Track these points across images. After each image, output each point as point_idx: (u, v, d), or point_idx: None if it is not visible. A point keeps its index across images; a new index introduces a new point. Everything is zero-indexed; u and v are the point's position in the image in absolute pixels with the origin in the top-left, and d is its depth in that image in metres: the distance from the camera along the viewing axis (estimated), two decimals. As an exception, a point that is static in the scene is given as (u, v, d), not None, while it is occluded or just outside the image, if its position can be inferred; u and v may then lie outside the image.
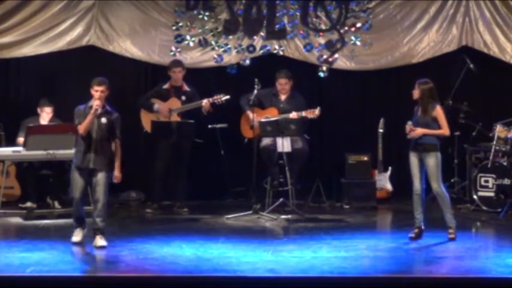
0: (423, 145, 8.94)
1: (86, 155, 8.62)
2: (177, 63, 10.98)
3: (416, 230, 9.04)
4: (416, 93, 9.00)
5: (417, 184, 8.99)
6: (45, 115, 10.91)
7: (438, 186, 8.94)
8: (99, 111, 8.66)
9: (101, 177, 8.63)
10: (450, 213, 9.03)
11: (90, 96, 8.82)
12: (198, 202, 11.18)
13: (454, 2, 11.54)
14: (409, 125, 8.98)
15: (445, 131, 9.00)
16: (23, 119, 11.03)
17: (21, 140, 10.65)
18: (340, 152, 11.46)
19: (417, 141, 8.98)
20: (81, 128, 8.63)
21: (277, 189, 10.67)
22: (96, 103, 8.63)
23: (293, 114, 10.61)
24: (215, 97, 10.74)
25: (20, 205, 10.82)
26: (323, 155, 11.78)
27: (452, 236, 9.00)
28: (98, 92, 8.68)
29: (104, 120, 8.68)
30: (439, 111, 8.97)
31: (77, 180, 8.66)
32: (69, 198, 11.07)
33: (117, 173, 8.77)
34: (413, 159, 9.02)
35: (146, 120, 10.82)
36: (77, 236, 8.78)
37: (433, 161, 8.90)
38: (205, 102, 10.70)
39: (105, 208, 8.70)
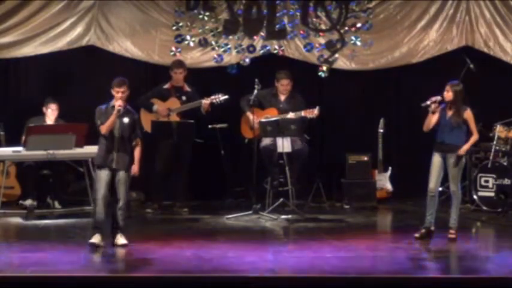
0: (449, 145, 8.94)
1: (108, 155, 8.66)
2: (179, 64, 10.96)
3: (423, 230, 9.02)
4: (449, 96, 8.94)
5: (433, 185, 8.97)
6: (50, 112, 10.87)
7: (456, 187, 8.97)
8: (122, 111, 8.71)
9: (122, 176, 8.70)
10: (456, 215, 9.02)
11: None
12: (198, 202, 11.18)
13: (454, 1, 11.54)
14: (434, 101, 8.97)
15: (476, 136, 9.02)
16: (23, 118, 11.01)
17: None
18: (340, 152, 11.45)
19: (443, 142, 8.97)
20: (104, 128, 8.68)
21: (277, 189, 10.67)
22: (118, 103, 8.68)
23: (290, 115, 10.61)
24: (213, 97, 10.74)
25: (20, 202, 10.80)
26: (323, 155, 11.78)
27: (452, 236, 8.99)
28: (119, 93, 8.73)
29: (126, 120, 8.73)
30: (469, 115, 8.97)
31: (101, 179, 8.64)
32: (70, 199, 11.10)
33: (136, 167, 8.86)
34: (436, 159, 8.99)
35: (146, 120, 10.81)
36: (96, 239, 8.58)
37: (462, 160, 8.93)
38: (203, 101, 10.70)
39: (125, 207, 8.78)
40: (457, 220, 9.02)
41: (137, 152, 8.86)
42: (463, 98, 8.98)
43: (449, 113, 8.99)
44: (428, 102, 9.03)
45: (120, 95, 8.72)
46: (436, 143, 9.04)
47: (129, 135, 8.77)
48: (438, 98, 9.01)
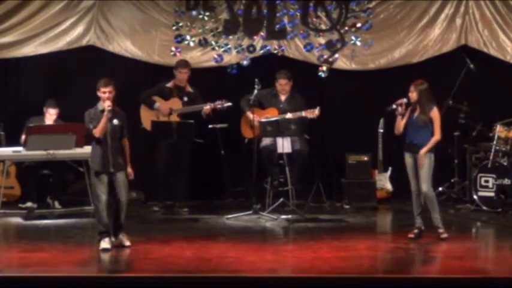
0: (417, 145, 8.92)
1: (104, 159, 8.56)
2: (185, 64, 10.94)
3: (416, 231, 9.02)
4: (414, 96, 8.93)
5: (415, 184, 8.98)
6: (49, 116, 10.88)
7: (427, 188, 8.90)
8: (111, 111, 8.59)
9: (121, 178, 8.61)
10: (437, 214, 8.95)
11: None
12: (198, 202, 11.18)
13: (454, 2, 11.54)
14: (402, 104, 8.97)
15: (437, 136, 8.92)
16: (23, 118, 11.01)
17: None
18: (340, 152, 11.46)
19: (411, 142, 8.97)
20: (97, 132, 8.57)
21: (277, 189, 10.67)
22: (107, 104, 8.56)
23: (289, 116, 10.60)
24: (217, 103, 10.73)
25: (20, 205, 10.81)
26: (323, 155, 11.77)
27: (444, 235, 8.94)
28: (106, 93, 8.61)
29: (115, 121, 8.64)
30: (435, 114, 8.92)
31: (100, 185, 8.54)
32: (72, 199, 11.10)
33: (129, 169, 8.75)
34: (408, 160, 9.01)
35: (145, 117, 10.81)
36: (106, 243, 8.50)
37: (425, 162, 8.88)
38: (206, 107, 10.69)
39: (126, 207, 8.69)
40: (439, 219, 8.93)
41: (127, 153, 8.74)
42: (428, 97, 8.94)
43: (416, 113, 8.98)
44: (394, 106, 9.04)
45: (107, 95, 8.60)
46: (406, 143, 9.04)
47: (120, 136, 8.70)
48: (404, 100, 9.00)
